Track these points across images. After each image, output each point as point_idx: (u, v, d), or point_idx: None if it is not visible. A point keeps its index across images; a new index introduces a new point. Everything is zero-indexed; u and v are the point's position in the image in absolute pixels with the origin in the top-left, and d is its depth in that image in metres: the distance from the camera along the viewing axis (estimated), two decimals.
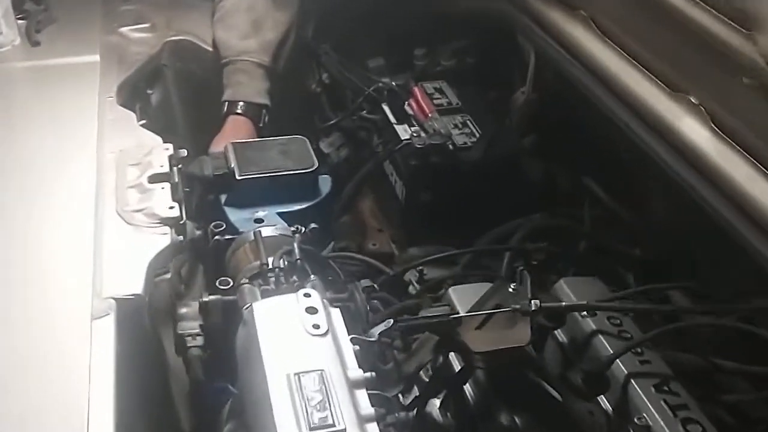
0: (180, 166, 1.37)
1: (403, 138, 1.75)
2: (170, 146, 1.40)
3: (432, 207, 1.74)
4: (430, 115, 1.77)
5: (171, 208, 1.25)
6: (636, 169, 1.63)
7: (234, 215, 1.42)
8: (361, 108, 1.89)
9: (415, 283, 1.54)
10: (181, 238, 1.24)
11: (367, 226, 2.02)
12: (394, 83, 1.89)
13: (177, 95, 1.84)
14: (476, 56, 2.07)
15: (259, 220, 1.40)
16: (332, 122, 1.94)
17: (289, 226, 1.38)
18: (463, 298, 1.29)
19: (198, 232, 1.31)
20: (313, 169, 1.49)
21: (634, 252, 1.67)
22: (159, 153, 1.36)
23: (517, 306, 1.17)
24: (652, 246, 1.66)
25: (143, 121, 1.55)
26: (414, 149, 1.69)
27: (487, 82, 2.01)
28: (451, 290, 1.33)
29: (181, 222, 1.24)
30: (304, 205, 1.47)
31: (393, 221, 1.94)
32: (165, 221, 1.25)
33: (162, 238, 1.21)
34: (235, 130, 1.75)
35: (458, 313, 1.22)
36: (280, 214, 1.42)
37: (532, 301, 1.17)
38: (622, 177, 1.72)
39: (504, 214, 1.70)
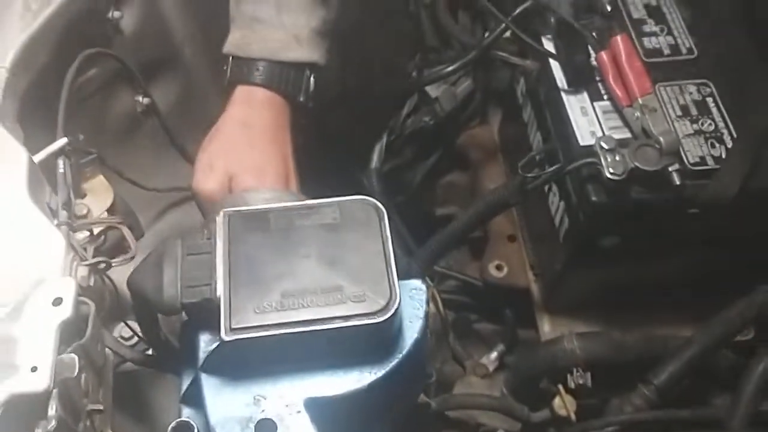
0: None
1: (581, 142, 0.90)
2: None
3: (614, 257, 0.95)
4: (640, 98, 0.89)
5: None
6: None
7: (217, 404, 0.65)
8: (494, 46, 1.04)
9: None
10: None
11: (489, 227, 1.22)
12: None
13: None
14: None
15: (266, 424, 0.64)
16: (449, 68, 1.10)
17: None
18: None
19: None
20: (391, 313, 0.63)
21: None
22: None
23: None
24: None
25: None
26: (601, 178, 0.85)
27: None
28: None
29: None
30: (363, 383, 0.65)
31: (537, 242, 1.15)
32: None
33: None
34: (248, 131, 0.85)
35: None
36: (313, 404, 0.65)
37: None
38: None
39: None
